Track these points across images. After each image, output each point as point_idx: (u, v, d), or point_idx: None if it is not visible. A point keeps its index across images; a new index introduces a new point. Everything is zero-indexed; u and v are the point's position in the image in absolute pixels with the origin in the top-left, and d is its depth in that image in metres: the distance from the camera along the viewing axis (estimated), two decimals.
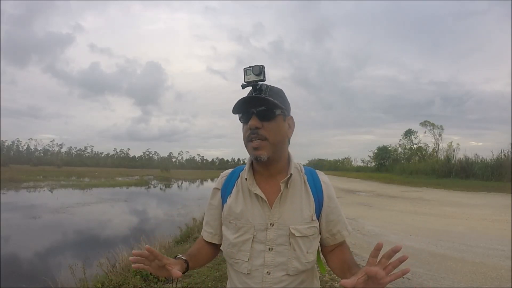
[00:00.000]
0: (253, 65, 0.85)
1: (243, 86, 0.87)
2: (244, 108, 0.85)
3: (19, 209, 10.41)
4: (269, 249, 0.85)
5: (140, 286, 3.24)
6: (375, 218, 7.50)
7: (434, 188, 16.06)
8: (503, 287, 3.29)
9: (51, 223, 8.54)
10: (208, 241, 1.00)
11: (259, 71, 0.84)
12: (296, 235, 0.86)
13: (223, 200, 0.95)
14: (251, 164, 0.92)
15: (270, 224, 0.86)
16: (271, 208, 0.87)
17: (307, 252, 0.88)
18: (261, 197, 0.87)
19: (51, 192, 16.81)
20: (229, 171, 1.00)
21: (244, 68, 0.86)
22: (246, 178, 0.89)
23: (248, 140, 0.85)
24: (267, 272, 0.85)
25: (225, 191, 0.95)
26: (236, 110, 0.86)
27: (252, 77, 0.85)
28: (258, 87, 0.86)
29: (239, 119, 0.89)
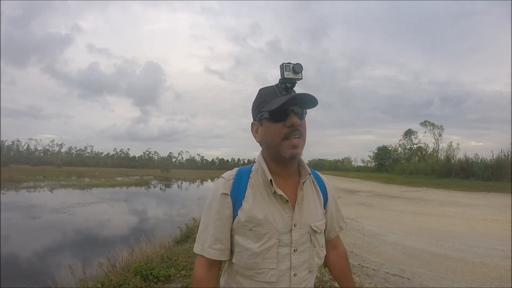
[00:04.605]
0: (293, 62, 0.83)
1: (282, 82, 0.84)
2: (279, 106, 0.80)
3: (19, 209, 10.40)
4: (294, 250, 0.85)
5: (140, 286, 3.24)
6: (375, 218, 7.50)
7: (434, 188, 16.05)
8: (503, 287, 3.29)
9: (51, 223, 8.54)
10: (217, 259, 0.86)
11: (300, 69, 0.83)
12: (317, 231, 0.90)
13: (236, 206, 0.85)
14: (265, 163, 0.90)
15: (294, 225, 0.85)
16: (294, 208, 0.86)
17: (322, 246, 0.93)
18: (282, 199, 0.85)
19: (51, 192, 16.81)
20: (233, 173, 0.91)
21: (283, 64, 0.83)
22: (271, 180, 0.84)
23: (284, 138, 0.82)
24: (294, 274, 0.85)
25: (236, 195, 0.86)
26: (275, 106, 0.80)
27: (291, 75, 0.83)
28: (293, 86, 0.85)
29: (268, 116, 0.83)
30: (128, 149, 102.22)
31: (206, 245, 0.85)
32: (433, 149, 37.45)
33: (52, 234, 7.31)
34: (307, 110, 0.87)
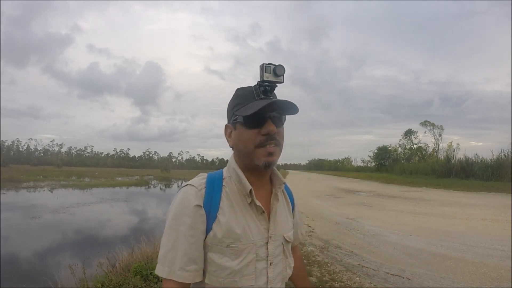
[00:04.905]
0: (276, 64, 0.76)
1: (260, 85, 0.76)
2: (254, 111, 0.74)
3: (19, 209, 10.40)
4: (270, 263, 0.80)
5: (140, 286, 3.24)
6: (375, 218, 7.50)
7: (434, 188, 16.05)
8: (503, 287, 3.29)
9: (51, 223, 8.54)
10: (190, 282, 0.74)
11: (282, 72, 0.76)
12: (289, 242, 0.87)
13: (210, 219, 0.75)
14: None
15: (269, 237, 0.80)
16: (269, 220, 0.81)
17: (291, 257, 0.90)
18: (258, 209, 0.79)
19: (51, 192, 16.82)
20: (203, 180, 0.80)
21: (263, 64, 0.75)
22: (250, 190, 0.77)
23: (259, 145, 0.75)
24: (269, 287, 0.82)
25: (210, 207, 0.75)
26: (251, 112, 0.73)
27: (271, 77, 0.76)
28: (273, 89, 0.78)
29: (242, 121, 0.77)
30: (128, 149, 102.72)
31: (176, 267, 0.72)
32: (433, 149, 37.52)
33: (52, 234, 7.31)
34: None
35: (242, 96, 0.78)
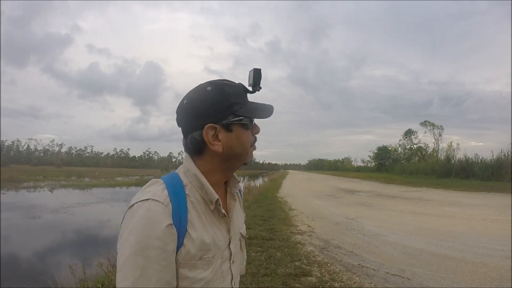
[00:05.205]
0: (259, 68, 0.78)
1: (258, 90, 0.78)
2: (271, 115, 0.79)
3: (19, 209, 10.41)
4: (232, 262, 0.81)
5: None
6: (375, 218, 7.50)
7: (434, 188, 16.07)
8: (503, 287, 3.29)
9: (51, 223, 8.55)
10: None
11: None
12: (245, 236, 0.90)
13: (180, 235, 0.67)
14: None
15: (231, 237, 0.80)
16: (230, 222, 0.81)
17: (245, 250, 0.93)
18: (219, 213, 0.77)
19: (51, 192, 16.83)
20: (165, 192, 0.68)
21: (260, 70, 0.76)
22: (217, 199, 0.73)
23: (250, 145, 0.78)
24: (234, 284, 0.83)
25: (179, 223, 0.67)
26: (270, 114, 0.78)
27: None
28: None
29: (248, 123, 0.76)
30: (128, 149, 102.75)
31: None
32: (433, 149, 37.59)
33: (52, 234, 7.32)
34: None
35: (236, 95, 0.73)
